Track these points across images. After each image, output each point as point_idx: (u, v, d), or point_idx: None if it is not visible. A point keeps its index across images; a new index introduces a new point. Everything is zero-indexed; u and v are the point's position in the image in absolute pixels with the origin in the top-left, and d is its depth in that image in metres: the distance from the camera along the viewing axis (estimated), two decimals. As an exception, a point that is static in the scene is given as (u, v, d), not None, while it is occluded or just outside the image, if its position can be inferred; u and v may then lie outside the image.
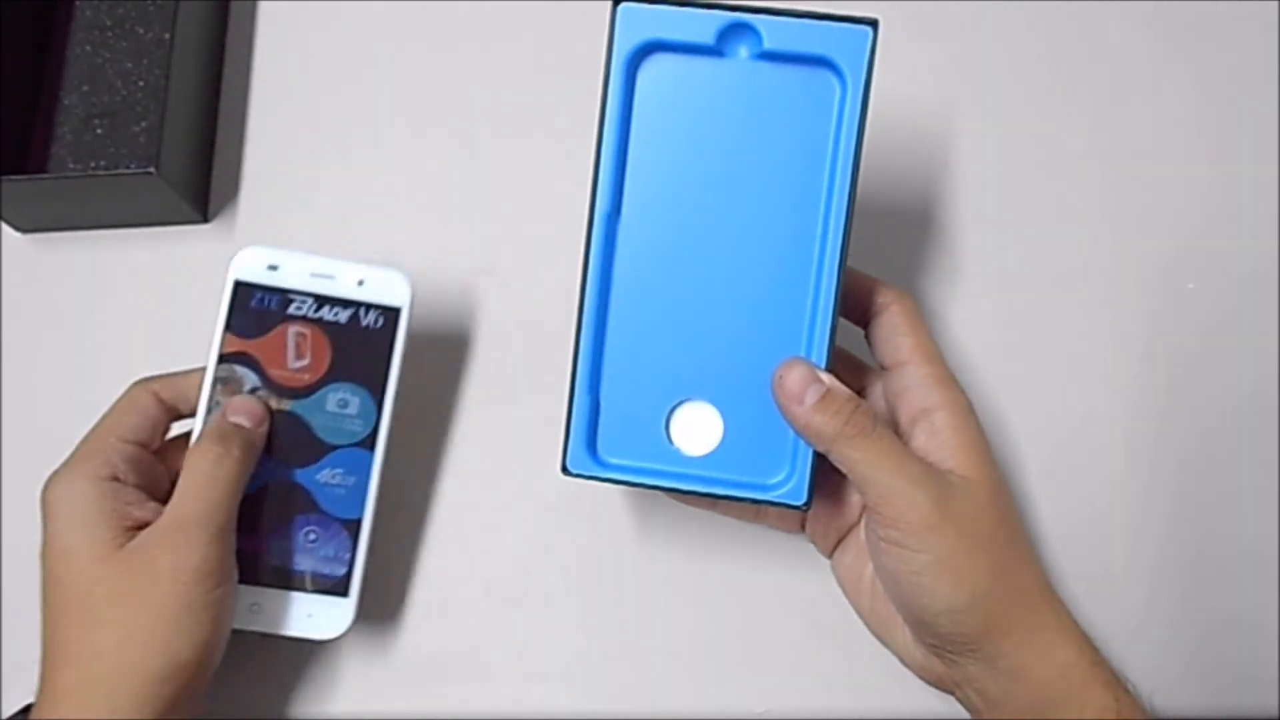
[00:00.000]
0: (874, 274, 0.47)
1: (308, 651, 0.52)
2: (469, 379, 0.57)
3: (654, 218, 0.43)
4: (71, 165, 0.60)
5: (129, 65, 0.61)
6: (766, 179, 0.42)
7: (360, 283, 0.50)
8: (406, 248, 0.58)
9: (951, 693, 0.46)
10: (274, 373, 0.49)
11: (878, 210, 0.58)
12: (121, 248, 0.59)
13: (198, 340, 0.53)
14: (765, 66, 0.41)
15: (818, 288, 0.42)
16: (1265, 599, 0.53)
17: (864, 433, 0.41)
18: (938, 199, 0.59)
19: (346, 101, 0.62)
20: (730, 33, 0.41)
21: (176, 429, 0.50)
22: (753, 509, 0.49)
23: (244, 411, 0.48)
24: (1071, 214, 0.59)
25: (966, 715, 0.46)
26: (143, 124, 0.60)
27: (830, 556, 0.49)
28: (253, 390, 0.49)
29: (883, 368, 0.47)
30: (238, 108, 0.61)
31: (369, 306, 0.50)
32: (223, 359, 0.49)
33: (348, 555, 0.49)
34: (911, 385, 0.45)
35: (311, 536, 0.49)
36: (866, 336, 0.47)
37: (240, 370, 0.49)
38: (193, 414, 0.49)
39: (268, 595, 0.48)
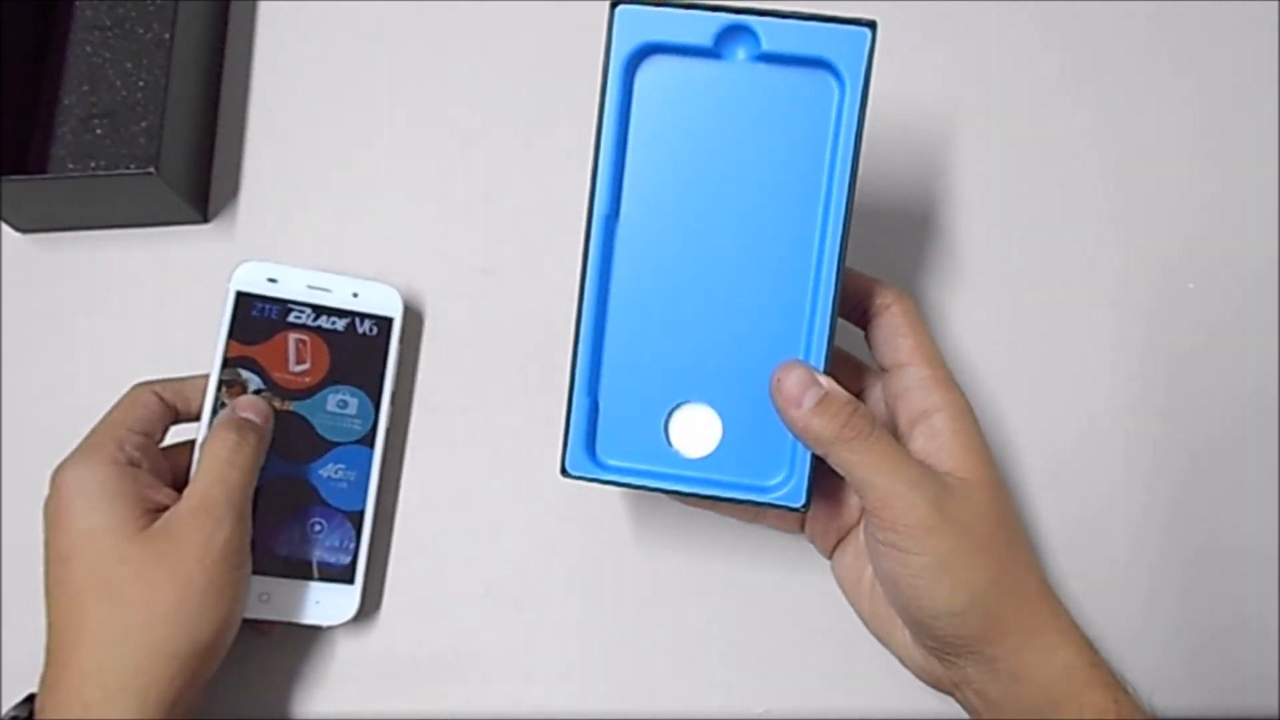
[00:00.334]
0: (874, 275, 0.47)
1: (307, 651, 0.52)
2: (469, 379, 0.57)
3: (652, 220, 0.43)
4: (71, 165, 0.60)
5: (129, 65, 0.61)
6: (765, 181, 0.42)
7: (355, 295, 0.54)
8: (406, 247, 0.58)
9: (951, 694, 0.46)
10: (276, 375, 0.52)
11: (878, 211, 0.58)
12: (121, 248, 0.59)
13: (197, 340, 0.54)
14: (763, 68, 0.41)
15: (816, 290, 0.42)
16: (1266, 599, 0.53)
17: (862, 436, 0.41)
18: (938, 200, 0.59)
19: (347, 101, 0.61)
20: (728, 35, 0.41)
21: (172, 436, 0.51)
22: (752, 510, 0.49)
23: (252, 408, 0.50)
24: (1072, 215, 0.59)
25: (966, 716, 0.46)
26: (143, 124, 0.60)
27: (830, 557, 0.49)
28: (257, 391, 0.51)
29: (882, 369, 0.47)
30: (238, 108, 0.61)
31: (364, 316, 0.54)
32: (227, 363, 0.51)
33: (352, 545, 0.52)
34: (911, 387, 0.45)
35: (317, 528, 0.51)
36: (866, 337, 0.47)
37: (245, 373, 0.52)
38: (191, 417, 0.51)
39: (277, 584, 0.50)
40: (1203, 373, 0.57)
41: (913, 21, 0.61)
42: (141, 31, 0.62)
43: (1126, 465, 0.55)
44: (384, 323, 0.54)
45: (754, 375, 0.43)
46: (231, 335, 0.52)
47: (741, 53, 0.41)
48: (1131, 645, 0.52)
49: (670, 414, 0.44)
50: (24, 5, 0.60)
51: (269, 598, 0.50)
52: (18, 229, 0.59)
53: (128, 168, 0.59)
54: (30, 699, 0.46)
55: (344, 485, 0.52)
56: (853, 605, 0.49)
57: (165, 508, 0.47)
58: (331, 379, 0.53)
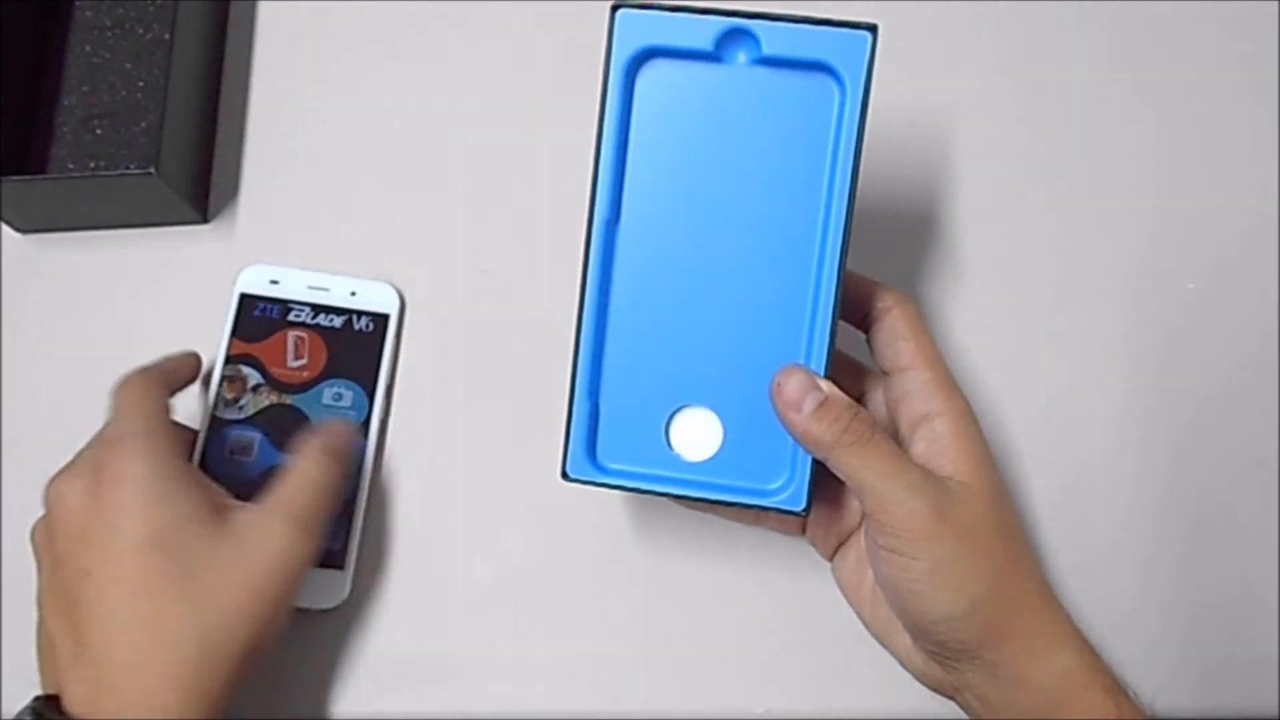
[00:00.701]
0: (875, 278, 0.47)
1: (306, 652, 0.52)
2: (468, 379, 0.57)
3: (653, 223, 0.43)
4: (71, 165, 0.60)
5: (129, 65, 0.61)
6: (766, 184, 0.42)
7: (353, 293, 0.56)
8: (405, 247, 0.58)
9: (952, 698, 0.46)
10: (275, 371, 0.54)
11: (878, 214, 0.58)
12: (121, 248, 0.59)
13: (197, 340, 0.54)
14: (764, 72, 0.41)
15: (817, 294, 0.42)
16: (1266, 598, 0.53)
17: (862, 440, 0.41)
18: (939, 203, 0.59)
19: (346, 101, 0.61)
20: (729, 38, 0.41)
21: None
22: (753, 514, 0.49)
23: (342, 438, 0.51)
24: (1072, 217, 0.59)
25: (966, 718, 0.46)
26: (143, 124, 0.60)
27: (831, 561, 0.49)
28: (256, 386, 0.54)
29: (884, 373, 0.47)
30: (238, 108, 0.61)
31: (360, 313, 0.56)
32: (229, 360, 0.54)
33: (343, 531, 0.53)
34: (912, 390, 0.45)
35: None
36: (868, 341, 0.47)
37: (245, 369, 0.54)
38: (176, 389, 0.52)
39: None
40: (1202, 373, 0.56)
41: (913, 25, 0.61)
42: (141, 31, 0.62)
43: (1126, 466, 0.55)
44: (380, 319, 0.56)
45: (755, 379, 0.43)
46: (234, 334, 0.54)
47: (742, 56, 0.41)
48: (1134, 646, 0.52)
49: (671, 417, 0.44)
50: (24, 5, 0.60)
51: None
52: (18, 229, 0.59)
53: (128, 168, 0.59)
54: (48, 699, 0.44)
55: None
56: (854, 609, 0.49)
57: (224, 505, 0.47)
58: (327, 373, 0.54)
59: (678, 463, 0.44)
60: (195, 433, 0.53)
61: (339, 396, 0.54)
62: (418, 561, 0.54)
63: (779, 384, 0.42)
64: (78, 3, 0.63)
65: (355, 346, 0.55)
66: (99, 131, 0.60)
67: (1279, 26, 0.61)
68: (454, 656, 0.53)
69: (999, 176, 0.60)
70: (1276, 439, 0.56)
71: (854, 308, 0.47)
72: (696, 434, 0.44)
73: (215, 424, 0.53)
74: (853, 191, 0.41)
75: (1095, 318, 0.57)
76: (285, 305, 0.55)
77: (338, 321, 0.55)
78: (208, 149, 0.60)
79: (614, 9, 0.41)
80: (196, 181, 0.59)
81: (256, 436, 0.53)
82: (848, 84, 0.41)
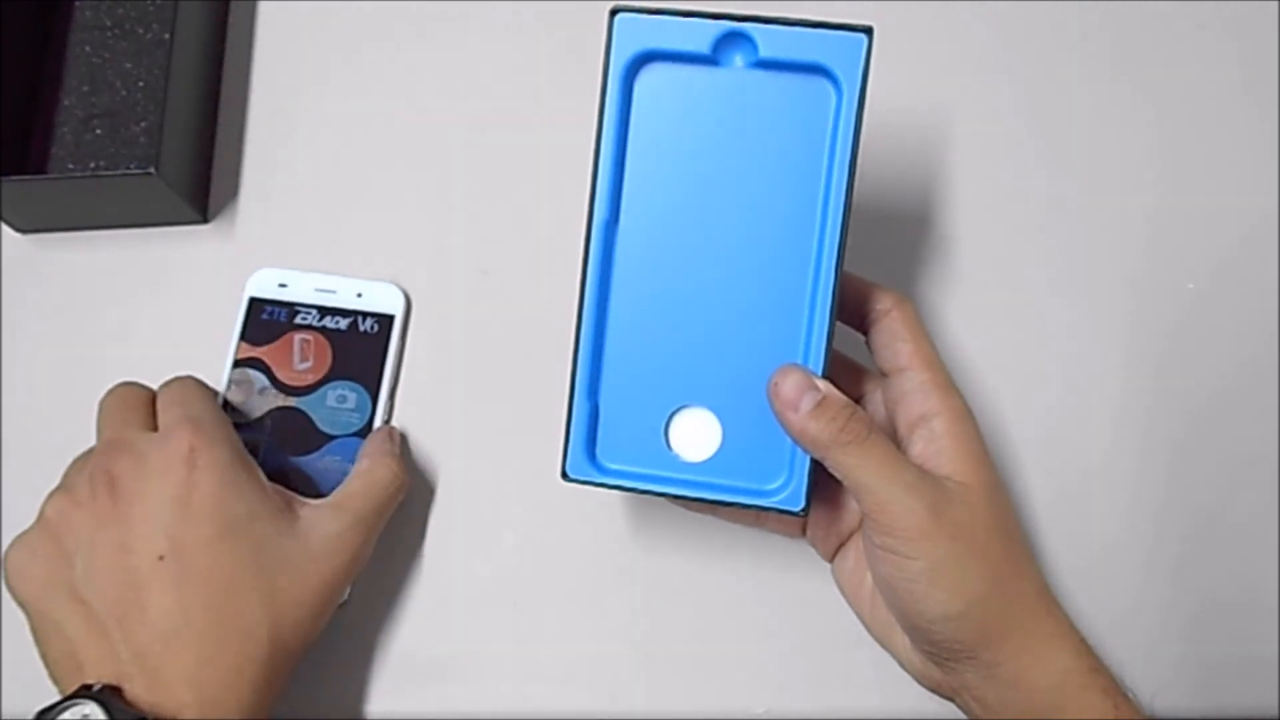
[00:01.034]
0: (872, 278, 0.47)
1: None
2: (468, 379, 0.57)
3: (652, 225, 0.43)
4: (71, 165, 0.60)
5: (129, 65, 0.61)
6: (763, 186, 0.42)
7: (359, 295, 0.56)
8: (405, 247, 0.58)
9: (951, 699, 0.46)
10: (281, 374, 0.55)
11: (876, 215, 0.58)
12: (121, 248, 0.59)
13: (197, 340, 0.54)
14: (761, 75, 0.41)
15: (814, 294, 0.42)
16: (1266, 598, 0.53)
17: (859, 440, 0.41)
18: (936, 203, 0.59)
19: (346, 101, 0.61)
20: (726, 42, 0.41)
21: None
22: (753, 514, 0.49)
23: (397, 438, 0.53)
24: (1070, 217, 0.59)
25: (965, 718, 0.46)
26: (142, 124, 0.60)
27: (831, 562, 0.49)
28: (262, 390, 0.54)
29: (882, 373, 0.47)
30: (238, 108, 0.61)
31: (366, 315, 0.56)
32: (236, 364, 0.55)
33: None
34: (910, 391, 0.45)
35: None
36: (867, 342, 0.47)
37: (251, 373, 0.55)
38: None
39: None
40: (1202, 373, 0.56)
41: (910, 26, 0.61)
42: (141, 31, 0.62)
43: (1126, 466, 0.55)
44: (385, 320, 0.56)
45: (753, 379, 0.43)
46: (242, 337, 0.55)
47: (739, 59, 0.41)
48: (1133, 646, 0.52)
49: (670, 418, 0.44)
50: (24, 5, 0.60)
51: None
52: (18, 229, 0.59)
53: (128, 168, 0.59)
54: (101, 700, 0.40)
55: (340, 475, 0.52)
56: (854, 610, 0.49)
57: (292, 500, 0.48)
58: (332, 375, 0.55)
59: (677, 463, 0.44)
60: None
61: (343, 399, 0.54)
62: (418, 561, 0.54)
63: (776, 383, 0.42)
64: (78, 3, 0.63)
65: (360, 348, 0.55)
66: (99, 131, 0.60)
67: (1279, 26, 0.61)
68: (454, 656, 0.53)
69: (997, 177, 0.59)
70: (1276, 439, 0.55)
71: (853, 309, 0.47)
72: (696, 434, 0.44)
73: None
74: (850, 192, 0.41)
75: (1095, 318, 0.57)
76: (292, 308, 0.56)
77: (344, 323, 0.55)
78: (208, 149, 0.61)
79: (613, 13, 0.41)
80: (196, 181, 0.59)
81: (262, 440, 0.53)
82: (844, 86, 0.41)
